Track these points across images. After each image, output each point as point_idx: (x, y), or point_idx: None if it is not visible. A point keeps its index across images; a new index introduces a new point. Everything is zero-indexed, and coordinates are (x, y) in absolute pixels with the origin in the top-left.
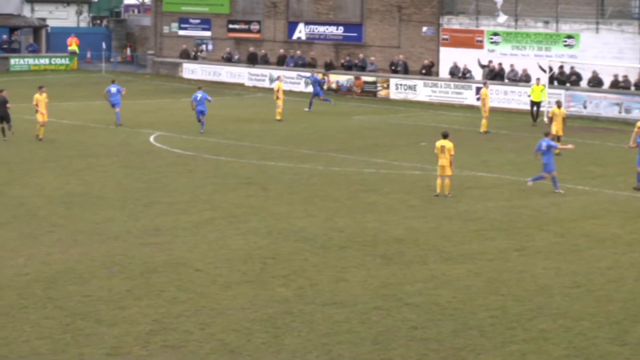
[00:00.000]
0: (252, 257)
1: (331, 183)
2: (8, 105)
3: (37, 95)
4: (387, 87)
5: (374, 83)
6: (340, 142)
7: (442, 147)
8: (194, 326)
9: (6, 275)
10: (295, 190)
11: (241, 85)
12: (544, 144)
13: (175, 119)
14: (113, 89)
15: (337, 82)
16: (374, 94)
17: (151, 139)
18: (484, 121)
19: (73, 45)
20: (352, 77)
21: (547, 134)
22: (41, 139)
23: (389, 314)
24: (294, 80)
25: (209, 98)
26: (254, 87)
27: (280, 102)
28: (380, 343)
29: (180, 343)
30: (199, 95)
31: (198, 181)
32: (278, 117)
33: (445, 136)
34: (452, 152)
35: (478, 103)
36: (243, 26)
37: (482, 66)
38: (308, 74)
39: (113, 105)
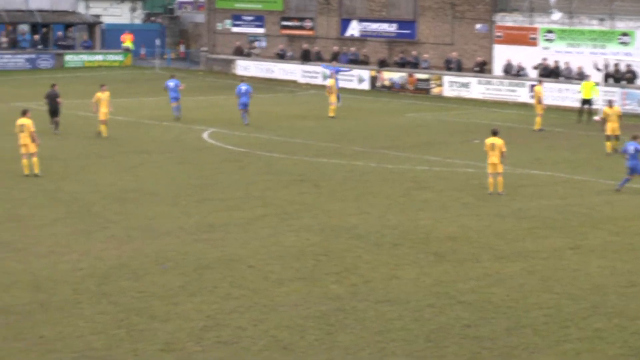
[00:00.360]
0: (305, 254)
1: (384, 180)
2: (59, 100)
3: (98, 94)
4: (441, 85)
5: (427, 80)
6: (393, 139)
7: (492, 145)
8: (247, 322)
9: (61, 270)
10: (348, 187)
11: (294, 82)
12: (631, 148)
13: (228, 115)
14: (171, 84)
15: (390, 79)
16: (427, 91)
17: (204, 135)
18: (538, 119)
19: (128, 42)
20: (405, 74)
21: (635, 137)
22: (104, 136)
23: (441, 311)
24: (346, 77)
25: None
26: (307, 84)
27: (333, 99)
28: (433, 341)
29: (233, 339)
30: (243, 87)
31: (251, 178)
32: (331, 114)
33: (495, 133)
34: (504, 149)
35: (532, 100)
36: (296, 23)
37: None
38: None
39: (173, 99)
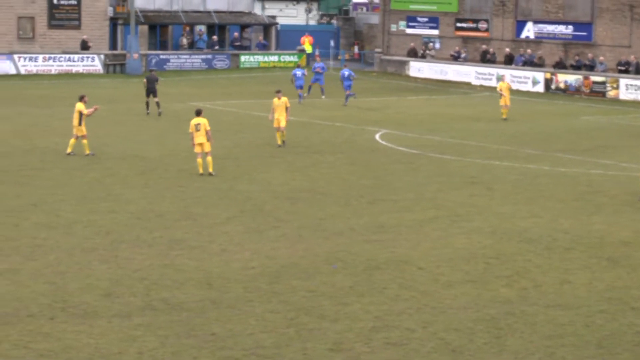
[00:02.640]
0: (475, 257)
1: (557, 184)
2: (157, 82)
3: (275, 100)
4: (617, 88)
5: (603, 83)
6: (567, 142)
7: None
8: (416, 324)
9: (233, 268)
10: (520, 190)
11: (468, 84)
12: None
13: (401, 117)
14: (298, 73)
15: (566, 81)
16: (603, 94)
17: (377, 136)
18: None
19: (306, 43)
20: (580, 76)
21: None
22: (279, 144)
23: (614, 317)
24: (521, 79)
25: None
26: (481, 85)
27: (505, 101)
28: (604, 347)
29: (402, 340)
30: (346, 73)
31: (422, 179)
32: (504, 116)
33: None
34: None
35: None
36: (471, 25)
37: None
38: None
39: (299, 87)
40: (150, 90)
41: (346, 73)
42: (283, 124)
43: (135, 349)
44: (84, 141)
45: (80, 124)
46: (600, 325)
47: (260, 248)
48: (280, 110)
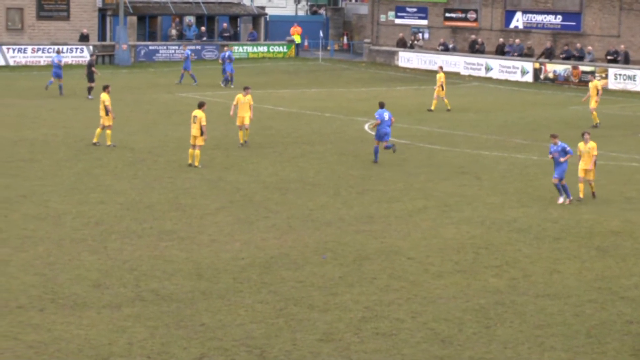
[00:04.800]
0: (465, 247)
1: (546, 173)
2: (94, 69)
3: (239, 96)
4: (606, 77)
5: (592, 73)
6: (556, 132)
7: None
8: (405, 314)
9: (223, 259)
10: (509, 180)
11: (457, 74)
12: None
13: (390, 107)
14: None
15: (554, 71)
16: None
17: (366, 127)
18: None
19: (296, 35)
20: (569, 66)
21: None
22: (242, 143)
23: (603, 307)
24: (510, 69)
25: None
26: (470, 76)
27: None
28: (594, 336)
29: (391, 331)
30: (386, 115)
31: (411, 169)
32: (448, 107)
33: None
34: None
35: None
36: (460, 15)
37: None
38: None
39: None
40: (89, 76)
41: (386, 116)
42: (247, 121)
43: (125, 340)
44: (108, 132)
45: (107, 114)
46: (590, 315)
47: (250, 239)
48: (244, 107)
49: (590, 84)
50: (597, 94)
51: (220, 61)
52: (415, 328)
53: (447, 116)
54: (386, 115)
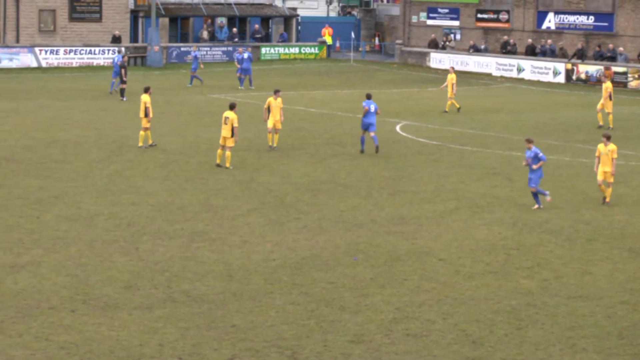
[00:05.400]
0: (496, 248)
1: (578, 175)
2: (124, 70)
3: (270, 99)
4: (639, 78)
5: (625, 74)
6: (588, 133)
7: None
8: (436, 315)
9: (254, 260)
10: (542, 181)
11: (489, 75)
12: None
13: (421, 108)
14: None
15: (587, 72)
16: (625, 84)
17: (397, 128)
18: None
19: (327, 35)
20: (601, 67)
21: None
22: (271, 146)
23: (635, 309)
24: (542, 70)
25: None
26: (502, 77)
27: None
28: (626, 338)
29: (422, 332)
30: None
31: (443, 171)
32: (447, 109)
33: (608, 138)
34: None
35: None
36: (492, 16)
37: None
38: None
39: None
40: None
41: (372, 107)
42: (279, 125)
43: (156, 341)
44: (148, 133)
45: (146, 115)
46: (622, 316)
47: (281, 240)
48: (275, 111)
49: (603, 86)
50: (610, 96)
51: (237, 64)
52: (446, 329)
53: (479, 117)
54: (372, 107)
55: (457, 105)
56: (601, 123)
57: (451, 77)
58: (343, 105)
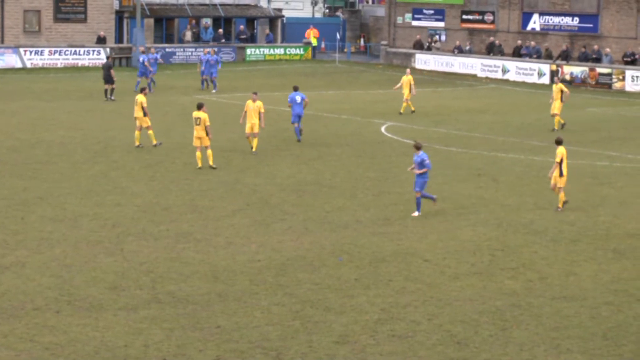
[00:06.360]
0: (481, 249)
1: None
2: (112, 71)
3: (248, 102)
4: (623, 79)
5: (609, 75)
6: (573, 134)
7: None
8: (421, 316)
9: (239, 261)
10: (526, 182)
11: (473, 76)
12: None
13: (407, 109)
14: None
15: (571, 73)
16: (609, 85)
17: (382, 129)
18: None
19: (311, 37)
20: (586, 68)
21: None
22: (254, 152)
23: (619, 309)
24: (527, 71)
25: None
26: (487, 78)
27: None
28: (610, 339)
29: (407, 333)
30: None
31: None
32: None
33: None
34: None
35: None
36: (477, 17)
37: None
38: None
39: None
40: (106, 78)
41: (298, 98)
42: (256, 129)
43: (141, 342)
44: (150, 132)
45: (145, 115)
46: (606, 317)
47: (266, 241)
48: (253, 114)
49: (554, 87)
50: (561, 97)
51: (201, 66)
52: (431, 330)
53: (465, 118)
54: (298, 98)
55: (412, 108)
56: (561, 123)
57: (408, 79)
58: (328, 106)
